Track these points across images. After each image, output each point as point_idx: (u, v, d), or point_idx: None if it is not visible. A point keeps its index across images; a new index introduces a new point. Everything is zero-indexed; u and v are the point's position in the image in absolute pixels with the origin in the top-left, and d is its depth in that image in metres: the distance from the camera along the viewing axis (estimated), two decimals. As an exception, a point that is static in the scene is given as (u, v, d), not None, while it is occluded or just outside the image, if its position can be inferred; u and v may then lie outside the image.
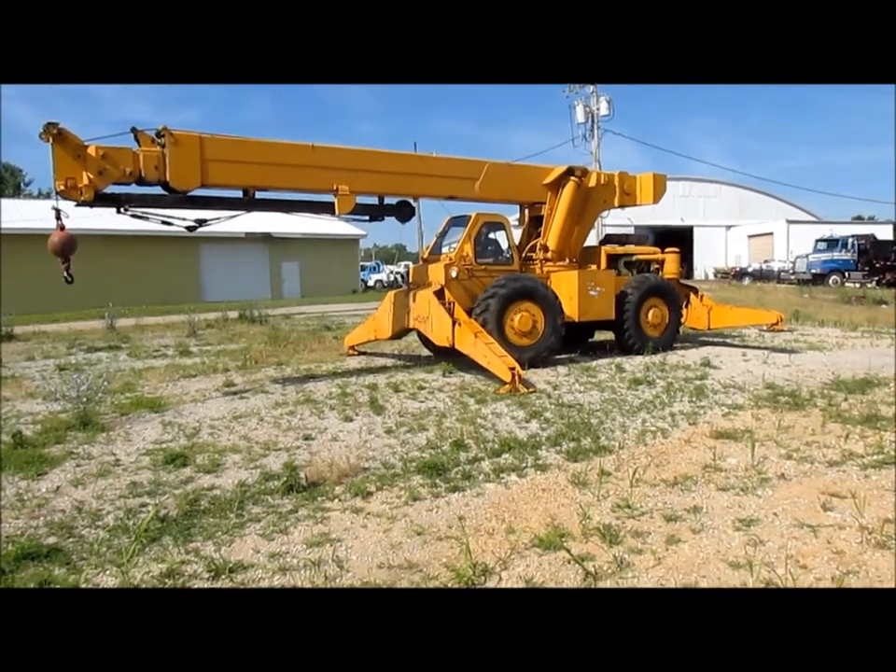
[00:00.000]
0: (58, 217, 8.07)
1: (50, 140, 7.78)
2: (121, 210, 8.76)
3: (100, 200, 8.33)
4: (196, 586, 3.71)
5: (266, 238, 36.78)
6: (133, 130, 8.44)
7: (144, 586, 3.70)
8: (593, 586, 3.59)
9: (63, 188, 7.88)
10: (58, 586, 3.66)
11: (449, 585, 3.63)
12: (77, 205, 8.26)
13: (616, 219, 36.80)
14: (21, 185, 71.38)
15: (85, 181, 7.98)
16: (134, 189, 8.75)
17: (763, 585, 3.51)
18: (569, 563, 3.82)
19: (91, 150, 8.04)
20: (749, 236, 52.15)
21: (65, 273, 8.19)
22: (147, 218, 9.25)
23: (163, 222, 9.30)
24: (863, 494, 4.66)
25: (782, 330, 13.39)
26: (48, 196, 46.67)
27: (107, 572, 3.86)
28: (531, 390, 8.68)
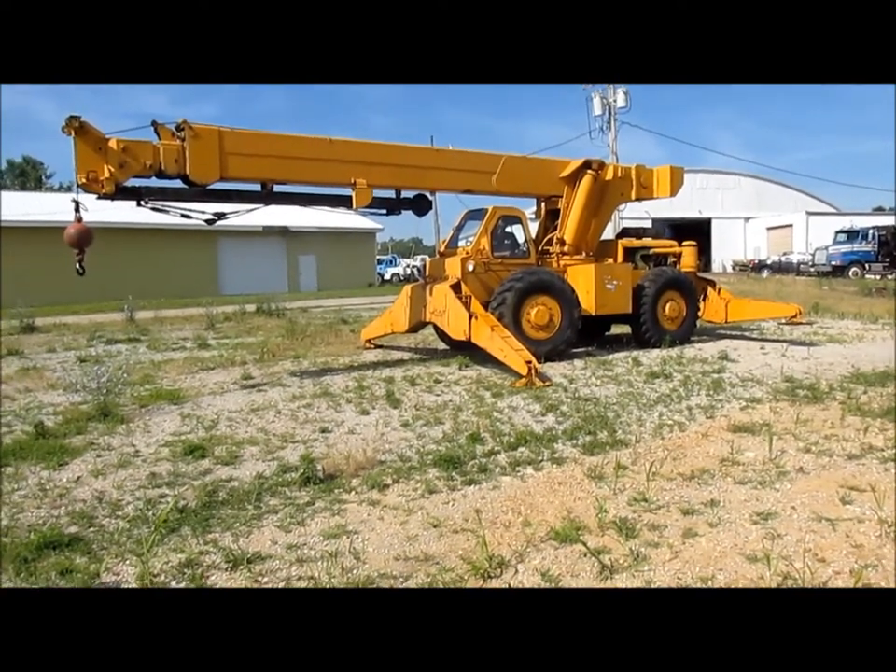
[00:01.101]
0: (76, 209, 8.16)
1: (72, 133, 7.85)
2: (141, 203, 8.84)
3: (121, 193, 8.42)
4: (214, 576, 3.75)
5: (283, 232, 36.95)
6: (154, 123, 8.52)
7: (163, 576, 3.74)
8: (609, 579, 3.59)
9: (84, 180, 7.97)
10: (74, 580, 3.71)
11: (465, 577, 3.64)
12: (99, 198, 8.35)
13: (633, 212, 36.54)
14: (43, 178, 72.03)
15: (106, 174, 8.05)
16: (154, 183, 8.84)
17: (780, 579, 3.49)
18: (585, 556, 3.82)
19: (113, 143, 8.10)
20: (768, 228, 51.65)
21: (78, 265, 8.25)
22: (166, 211, 9.32)
23: (183, 215, 9.37)
24: (883, 487, 4.63)
25: (801, 323, 13.26)
26: (69, 189, 47.05)
27: (127, 562, 3.91)
28: (547, 384, 8.67)
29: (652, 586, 3.50)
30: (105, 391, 7.60)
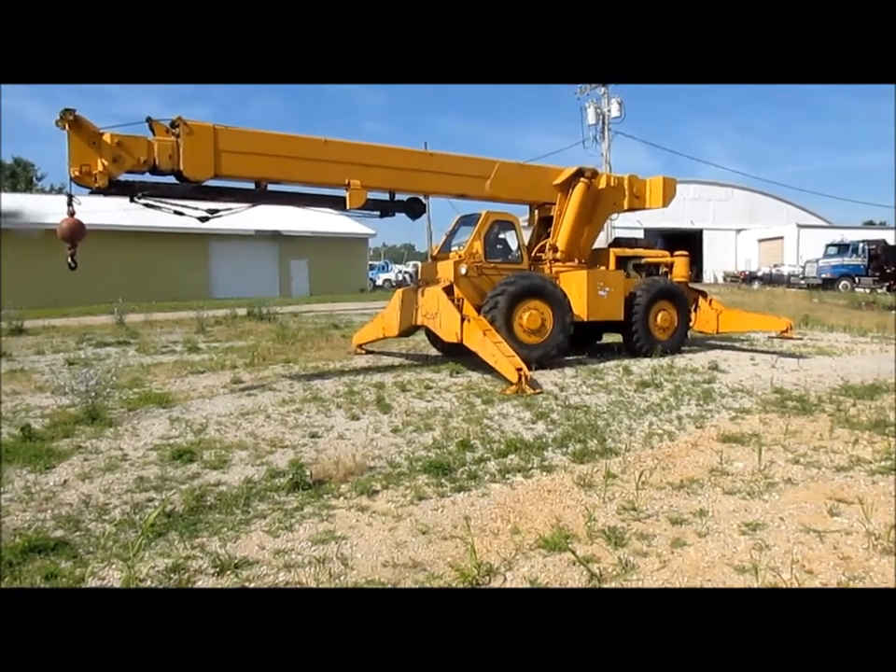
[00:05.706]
0: (69, 203, 8.14)
1: (66, 127, 7.86)
2: (134, 199, 8.81)
3: (114, 187, 8.39)
4: (201, 582, 3.72)
5: (275, 236, 36.82)
6: (149, 119, 8.52)
7: (149, 581, 3.71)
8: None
9: (77, 174, 7.96)
10: (59, 584, 3.68)
11: (453, 585, 3.63)
12: (91, 192, 8.32)
13: (626, 222, 36.64)
14: (34, 179, 71.63)
15: (99, 168, 8.04)
16: (148, 178, 8.81)
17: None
18: (574, 564, 3.82)
19: (107, 138, 8.10)
20: (760, 240, 51.92)
21: (70, 259, 8.23)
22: (159, 207, 9.28)
23: (175, 212, 9.33)
24: (870, 500, 4.64)
25: (791, 338, 13.30)
26: (59, 191, 46.89)
27: (113, 566, 3.88)
28: (538, 391, 8.67)
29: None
30: (93, 394, 7.55)
